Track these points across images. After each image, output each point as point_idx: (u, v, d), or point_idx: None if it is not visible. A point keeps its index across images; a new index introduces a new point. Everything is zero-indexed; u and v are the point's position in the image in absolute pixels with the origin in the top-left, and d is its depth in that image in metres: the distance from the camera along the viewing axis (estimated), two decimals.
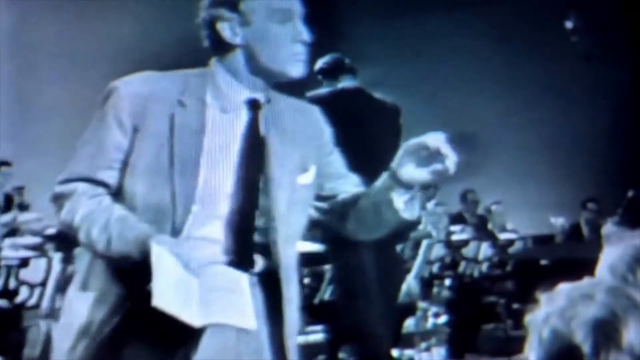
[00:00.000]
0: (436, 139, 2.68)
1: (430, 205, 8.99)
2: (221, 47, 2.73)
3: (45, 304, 6.53)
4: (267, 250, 2.72)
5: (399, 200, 2.70)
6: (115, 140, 2.66)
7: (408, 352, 7.28)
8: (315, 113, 2.90)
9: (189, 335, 2.60)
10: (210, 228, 2.67)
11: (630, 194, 8.04)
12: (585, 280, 1.78)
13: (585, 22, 8.21)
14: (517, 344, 2.04)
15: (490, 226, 9.90)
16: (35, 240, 6.95)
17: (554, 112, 11.40)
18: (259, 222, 2.72)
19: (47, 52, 10.44)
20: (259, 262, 2.73)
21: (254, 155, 2.73)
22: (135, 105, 2.66)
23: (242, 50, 2.71)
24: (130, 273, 2.60)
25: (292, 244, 2.80)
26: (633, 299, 1.72)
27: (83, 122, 2.81)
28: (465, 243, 8.61)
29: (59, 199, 2.70)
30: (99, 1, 10.56)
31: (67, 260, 6.63)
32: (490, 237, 9.31)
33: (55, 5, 10.51)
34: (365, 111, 5.63)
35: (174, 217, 2.64)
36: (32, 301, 6.60)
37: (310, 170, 2.77)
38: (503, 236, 9.61)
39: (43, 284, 6.57)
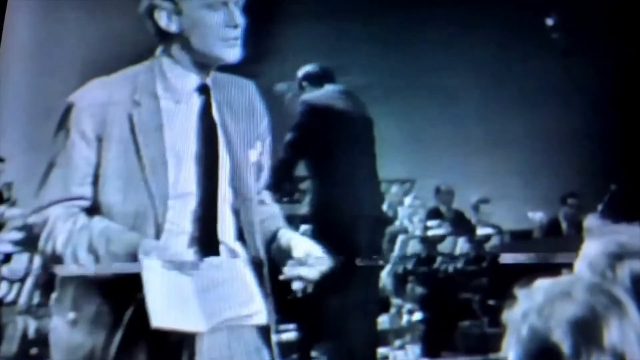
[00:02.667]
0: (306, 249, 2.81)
1: (407, 199, 8.98)
2: (163, 36, 2.83)
3: (22, 299, 6.49)
4: (242, 235, 2.79)
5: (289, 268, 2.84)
6: (83, 155, 2.68)
7: (382, 349, 7.27)
8: (252, 88, 2.94)
9: (191, 337, 2.61)
10: (186, 221, 2.74)
11: (612, 188, 8.09)
12: (564, 276, 1.76)
13: (566, 19, 8.25)
14: (493, 341, 2.04)
15: (474, 222, 9.90)
16: (19, 235, 6.94)
17: (533, 107, 11.42)
18: (236, 204, 2.72)
19: (40, 50, 10.37)
20: (240, 250, 2.73)
21: (211, 141, 2.78)
22: (95, 115, 2.69)
23: (179, 37, 2.79)
24: (123, 287, 2.58)
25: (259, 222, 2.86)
26: (614, 296, 1.70)
27: None
28: (441, 238, 8.60)
29: (34, 228, 2.69)
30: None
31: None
32: (468, 232, 9.31)
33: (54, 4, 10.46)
34: (355, 113, 5.98)
35: (156, 217, 2.68)
36: (10, 297, 6.57)
37: (257, 147, 2.81)
38: (480, 231, 9.61)
39: (22, 279, 6.54)
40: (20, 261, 6.61)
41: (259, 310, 2.66)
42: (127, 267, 2.58)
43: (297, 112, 5.83)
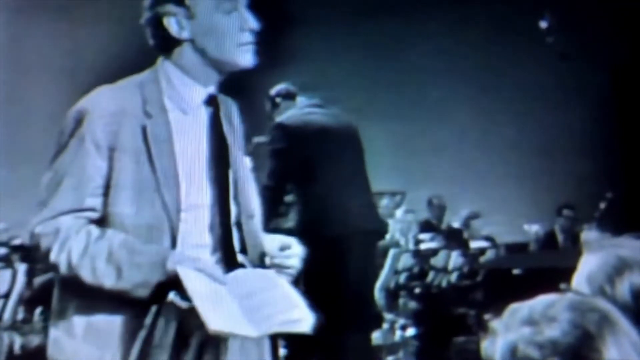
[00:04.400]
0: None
1: (399, 212, 8.99)
2: (168, 44, 2.75)
3: (7, 315, 6.50)
4: (245, 247, 2.79)
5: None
6: (97, 165, 2.66)
7: None
8: (233, 106, 2.94)
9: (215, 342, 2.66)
10: (199, 234, 2.72)
11: (608, 195, 8.07)
12: (539, 299, 1.71)
13: (561, 21, 8.21)
14: None
15: (465, 236, 9.92)
16: (1, 251, 6.94)
17: (528, 116, 11.45)
18: (240, 220, 2.78)
19: (22, 60, 10.36)
20: (244, 261, 2.77)
21: (222, 153, 2.78)
22: (109, 124, 2.68)
23: (190, 44, 2.73)
24: (140, 300, 2.59)
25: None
26: (601, 311, 1.68)
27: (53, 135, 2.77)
28: (434, 252, 8.61)
29: (42, 238, 2.66)
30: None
31: (32, 272, 6.59)
32: (461, 245, 9.32)
33: (48, 13, 10.45)
34: (334, 123, 5.92)
35: (172, 230, 2.66)
36: None
37: (247, 162, 2.84)
38: (475, 244, 9.62)
39: (6, 295, 6.54)
40: (3, 277, 6.60)
41: (304, 317, 2.67)
42: (154, 277, 2.59)
43: (272, 137, 5.84)
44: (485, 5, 11.28)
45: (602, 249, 2.22)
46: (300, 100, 6.03)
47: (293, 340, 6.37)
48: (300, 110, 5.95)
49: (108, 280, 2.61)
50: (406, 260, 8.17)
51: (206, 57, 2.72)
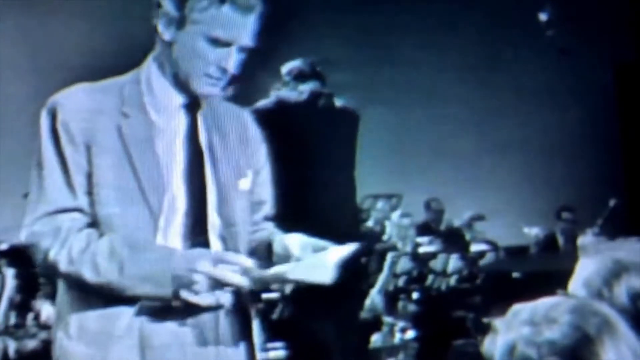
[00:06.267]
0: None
1: (395, 215, 8.97)
2: (157, 36, 2.77)
3: None
4: None
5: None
6: (75, 161, 2.66)
7: None
8: (247, 116, 2.95)
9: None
10: (176, 238, 2.73)
11: (611, 203, 8.03)
12: (542, 300, 1.75)
13: (561, 14, 8.08)
14: None
15: (468, 237, 9.89)
16: None
17: (528, 117, 11.42)
18: (222, 230, 2.78)
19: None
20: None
21: (199, 163, 2.77)
22: (84, 121, 2.68)
23: (167, 46, 2.74)
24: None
25: (246, 251, 2.85)
26: (602, 314, 1.70)
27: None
28: (433, 255, 8.60)
29: (41, 237, 2.68)
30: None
31: (21, 276, 6.58)
32: (461, 248, 9.31)
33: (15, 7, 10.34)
34: (322, 118, 5.76)
35: (155, 230, 2.69)
36: None
37: (248, 176, 2.82)
38: (474, 247, 9.60)
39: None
40: None
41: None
42: (161, 274, 2.67)
43: (267, 105, 5.69)
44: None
45: (599, 253, 2.24)
46: (307, 86, 5.86)
47: (293, 342, 6.42)
48: (296, 95, 5.80)
49: (111, 276, 2.64)
50: (405, 264, 8.18)
51: (174, 67, 2.74)
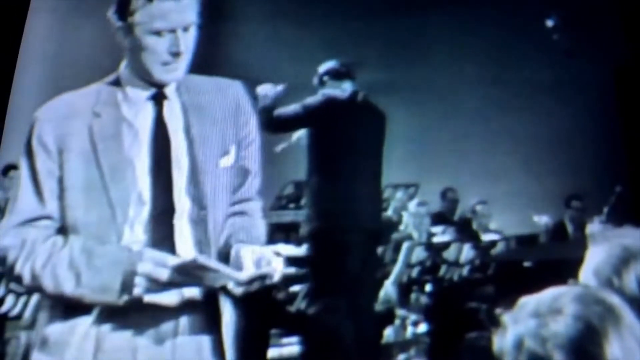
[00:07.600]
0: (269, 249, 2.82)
1: (411, 204, 8.98)
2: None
3: (28, 314, 6.54)
4: (201, 244, 2.84)
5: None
6: (48, 168, 2.77)
7: None
8: (235, 89, 3.02)
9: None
10: (140, 231, 2.80)
11: (617, 189, 8.08)
12: (549, 291, 1.74)
13: (566, 19, 8.34)
14: None
15: (474, 226, 9.90)
16: None
17: (536, 109, 11.48)
18: (193, 213, 2.83)
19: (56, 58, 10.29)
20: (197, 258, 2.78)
21: (164, 151, 2.85)
22: (57, 127, 2.80)
23: (129, 52, 2.90)
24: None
25: (221, 234, 2.89)
26: (607, 303, 1.70)
27: None
28: (446, 245, 8.61)
29: (8, 250, 2.76)
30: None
31: None
32: (473, 238, 9.31)
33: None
34: (361, 113, 6.32)
35: (117, 226, 2.75)
36: (15, 311, 6.59)
37: (231, 152, 2.87)
38: (485, 237, 9.61)
39: (29, 292, 6.57)
40: None
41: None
42: (114, 279, 2.70)
43: (317, 100, 6.20)
44: (496, 4, 11.37)
45: (607, 241, 2.23)
46: (346, 84, 6.30)
47: (307, 337, 6.47)
48: (346, 93, 6.28)
49: (67, 287, 2.70)
50: (419, 254, 8.18)
51: (136, 67, 2.88)
